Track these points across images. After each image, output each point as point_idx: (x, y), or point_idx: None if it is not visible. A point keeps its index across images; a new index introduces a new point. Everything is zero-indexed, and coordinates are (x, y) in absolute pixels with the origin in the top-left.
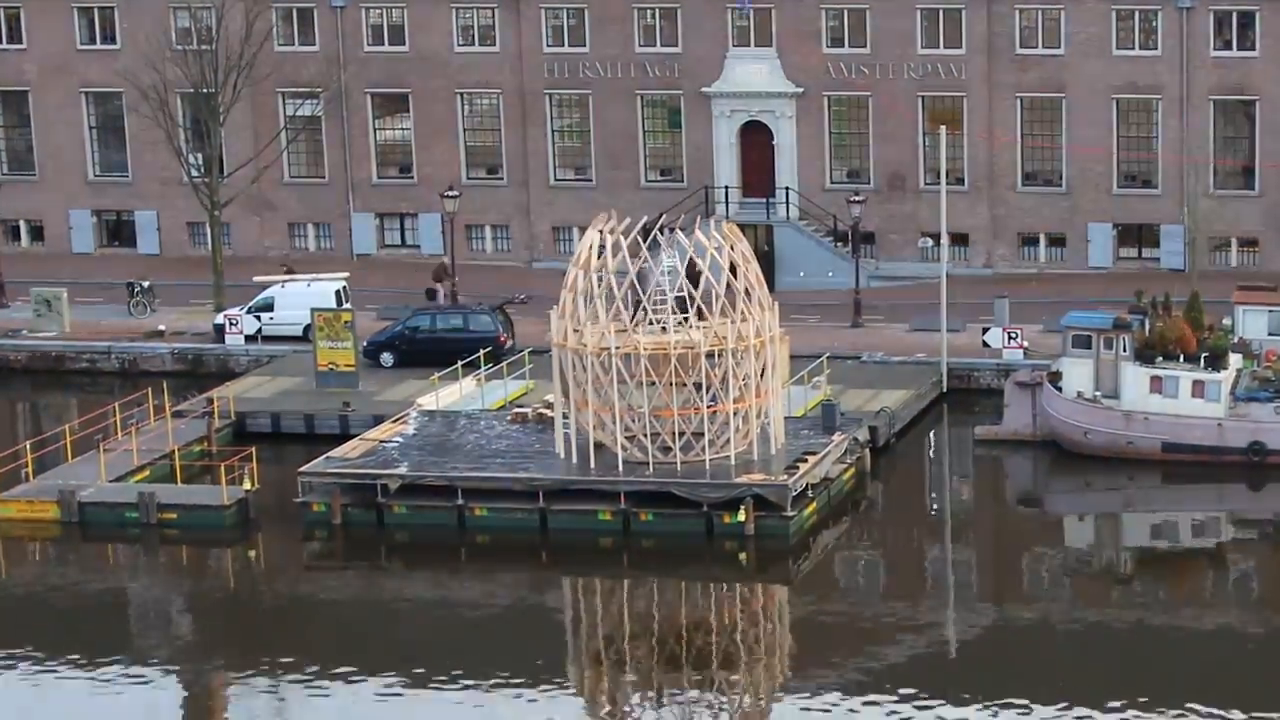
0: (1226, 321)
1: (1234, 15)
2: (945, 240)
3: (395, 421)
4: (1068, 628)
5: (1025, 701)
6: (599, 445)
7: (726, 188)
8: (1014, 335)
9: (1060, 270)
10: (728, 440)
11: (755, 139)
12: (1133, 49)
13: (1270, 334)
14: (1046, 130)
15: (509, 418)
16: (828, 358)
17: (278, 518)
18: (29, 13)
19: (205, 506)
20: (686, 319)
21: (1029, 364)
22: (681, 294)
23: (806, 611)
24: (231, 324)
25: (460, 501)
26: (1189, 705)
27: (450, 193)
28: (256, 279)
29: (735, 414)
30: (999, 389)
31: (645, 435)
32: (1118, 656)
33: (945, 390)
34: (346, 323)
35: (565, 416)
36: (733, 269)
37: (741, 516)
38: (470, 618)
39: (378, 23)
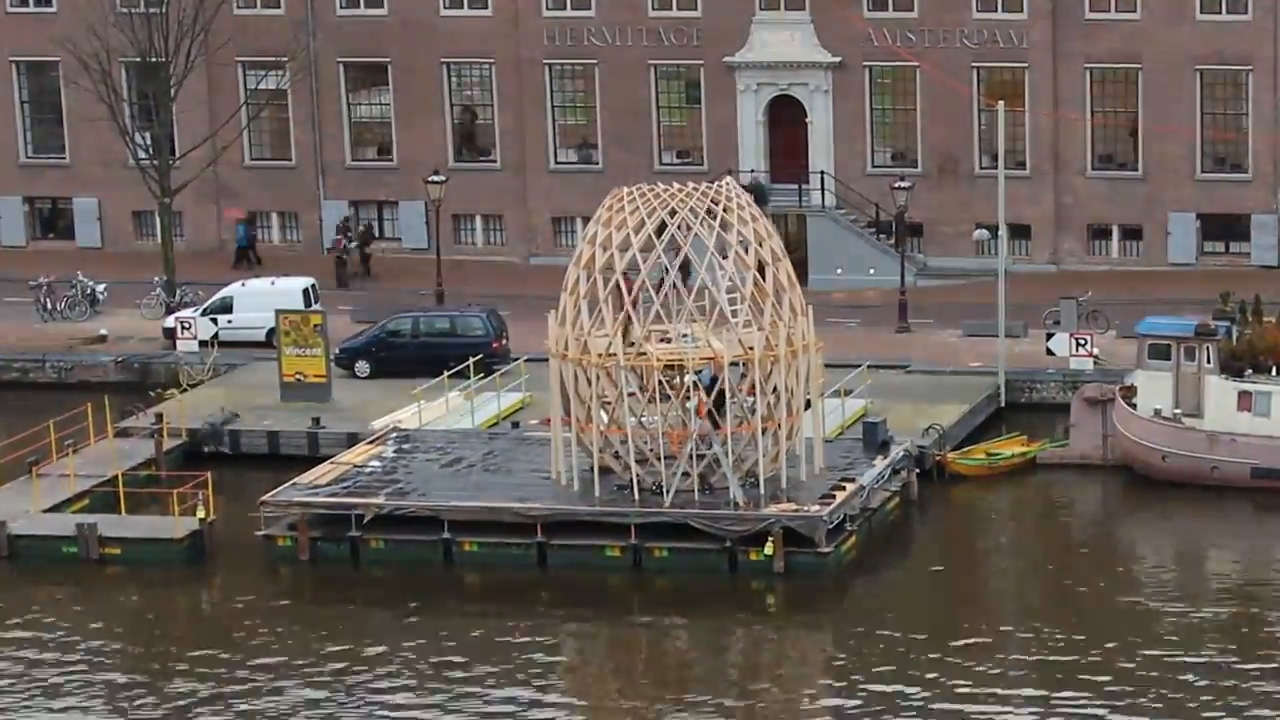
0: None
1: None
2: (1004, 232)
3: (372, 442)
4: (1138, 680)
5: None
6: (605, 470)
7: (753, 172)
8: (1082, 342)
9: (1135, 267)
10: (754, 464)
11: (786, 116)
12: (1219, 13)
13: None
14: (1120, 107)
15: None
16: (869, 367)
17: (237, 552)
18: None
19: (153, 540)
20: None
21: (1099, 376)
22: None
23: (843, 660)
24: (184, 327)
25: (447, 535)
26: None
27: (435, 177)
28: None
29: (764, 433)
30: (1065, 404)
31: (659, 459)
32: (1198, 715)
33: (1003, 405)
34: (316, 326)
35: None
36: (760, 268)
37: (769, 552)
38: (458, 668)
39: None
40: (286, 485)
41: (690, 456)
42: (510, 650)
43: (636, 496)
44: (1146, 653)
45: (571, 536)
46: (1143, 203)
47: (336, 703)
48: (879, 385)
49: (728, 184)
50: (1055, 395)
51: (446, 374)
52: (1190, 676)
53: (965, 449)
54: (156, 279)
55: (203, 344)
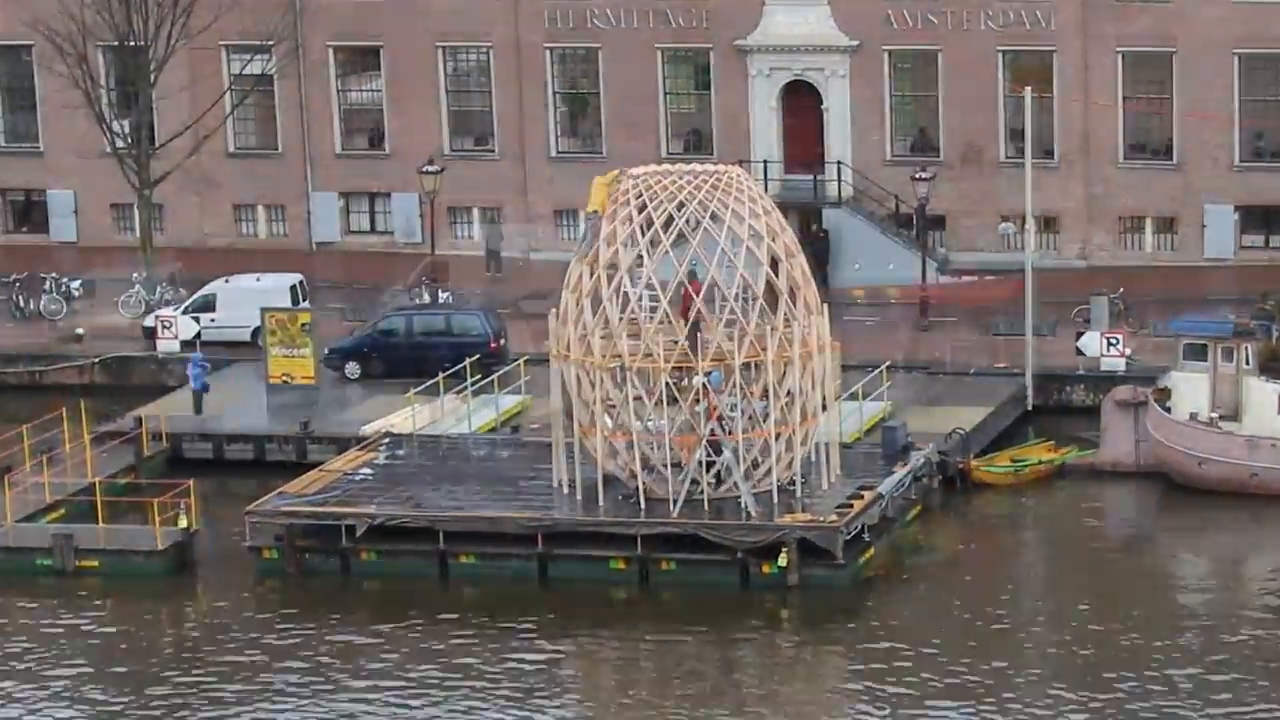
0: None
1: None
2: (1030, 225)
3: (363, 448)
4: (1171, 700)
5: None
6: (609, 478)
7: (765, 162)
8: (1114, 342)
9: (1170, 262)
10: (768, 472)
11: (800, 103)
12: None
13: None
14: (1154, 92)
15: None
16: (888, 368)
17: (222, 565)
18: None
19: (133, 552)
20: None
21: (1132, 378)
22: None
23: (861, 680)
24: (165, 326)
25: (442, 546)
26: None
27: (430, 167)
28: None
29: (776, 439)
30: (1095, 407)
31: (666, 466)
32: None
33: (1030, 408)
34: (304, 325)
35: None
36: (773, 264)
37: (783, 564)
38: (454, 687)
39: None
40: (273, 494)
41: (699, 463)
42: (509, 668)
43: (642, 505)
44: (1180, 673)
45: (574, 548)
46: (1178, 194)
47: (325, 707)
48: (899, 386)
49: (738, 174)
50: (1086, 398)
51: (442, 376)
52: (1231, 696)
53: (990, 455)
54: (136, 275)
55: (185, 344)
